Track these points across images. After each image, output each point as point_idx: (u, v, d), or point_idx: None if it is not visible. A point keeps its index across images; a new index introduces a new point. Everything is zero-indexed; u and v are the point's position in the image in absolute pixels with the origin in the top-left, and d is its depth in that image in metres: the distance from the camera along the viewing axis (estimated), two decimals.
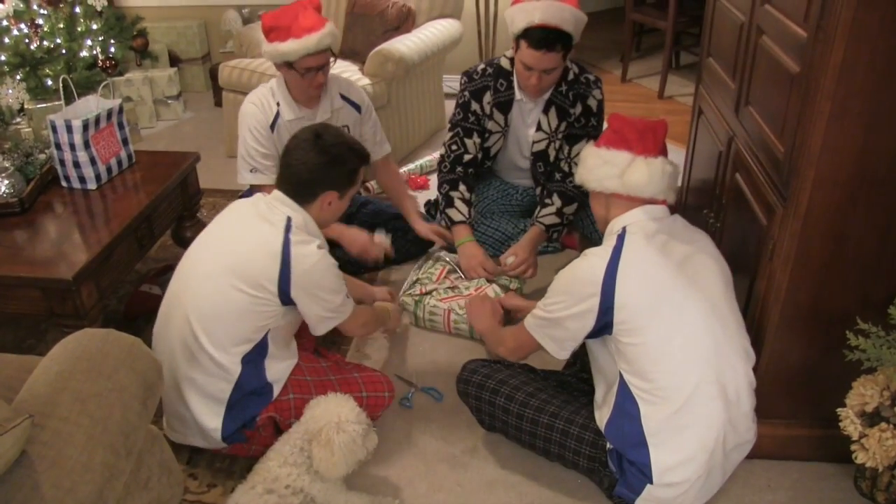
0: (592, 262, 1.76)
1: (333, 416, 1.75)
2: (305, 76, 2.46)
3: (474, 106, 2.70)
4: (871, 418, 1.55)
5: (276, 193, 1.93)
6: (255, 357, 1.90)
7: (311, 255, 1.85)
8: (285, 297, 1.86)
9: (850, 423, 1.57)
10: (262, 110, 2.55)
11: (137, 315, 2.66)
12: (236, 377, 1.88)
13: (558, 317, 1.81)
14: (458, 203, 2.70)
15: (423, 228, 2.74)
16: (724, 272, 1.83)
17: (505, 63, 2.66)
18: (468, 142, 2.73)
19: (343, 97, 2.69)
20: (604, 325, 1.75)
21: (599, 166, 1.83)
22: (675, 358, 1.70)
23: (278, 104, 2.57)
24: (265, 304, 1.85)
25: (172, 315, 1.91)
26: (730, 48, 2.20)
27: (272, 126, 2.56)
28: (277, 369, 1.96)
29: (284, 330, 1.97)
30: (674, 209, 1.88)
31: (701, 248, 1.83)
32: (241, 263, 1.84)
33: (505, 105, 2.68)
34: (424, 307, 2.55)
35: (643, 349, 1.72)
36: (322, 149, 1.90)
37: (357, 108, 2.72)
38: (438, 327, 2.57)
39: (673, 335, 1.70)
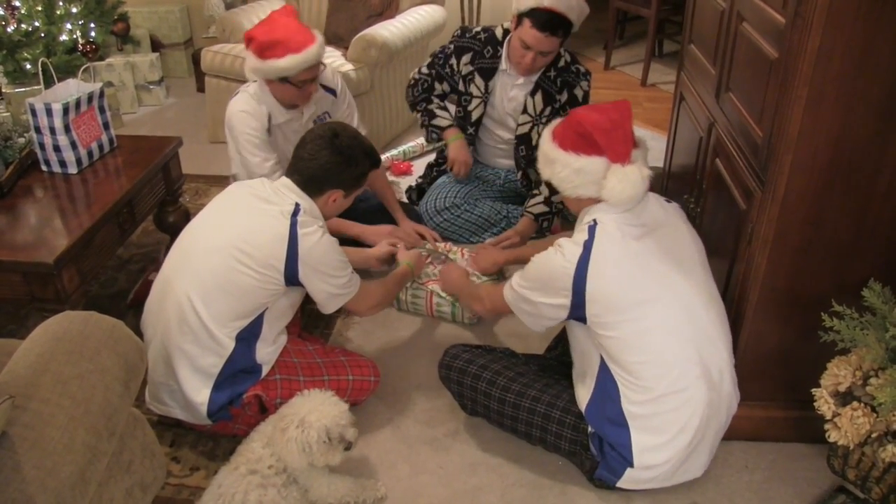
0: (565, 255, 1.74)
1: (304, 411, 1.75)
2: (302, 88, 2.46)
3: (453, 60, 2.80)
4: (844, 398, 1.58)
5: (285, 181, 1.97)
6: (249, 336, 1.93)
7: (314, 234, 1.90)
8: (291, 277, 1.90)
9: (823, 403, 1.60)
10: (256, 117, 2.49)
11: (143, 303, 2.63)
12: (229, 353, 1.90)
13: (533, 299, 1.84)
14: (438, 112, 2.88)
15: (407, 226, 2.76)
16: (699, 248, 1.86)
17: (499, 32, 2.74)
18: (438, 85, 2.88)
19: (322, 85, 2.68)
20: (578, 317, 1.77)
21: (573, 176, 1.75)
22: (654, 350, 1.72)
23: (264, 108, 2.53)
24: (270, 283, 1.89)
25: (171, 287, 1.93)
26: (711, 35, 2.22)
27: (268, 130, 2.54)
28: (267, 352, 1.99)
29: (280, 312, 2.00)
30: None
31: (676, 227, 1.84)
32: (250, 243, 1.87)
33: (488, 72, 2.73)
34: (407, 290, 2.56)
35: (618, 342, 1.73)
36: (337, 148, 1.94)
37: (332, 92, 2.72)
38: (421, 311, 2.59)
39: (650, 328, 1.71)
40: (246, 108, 2.49)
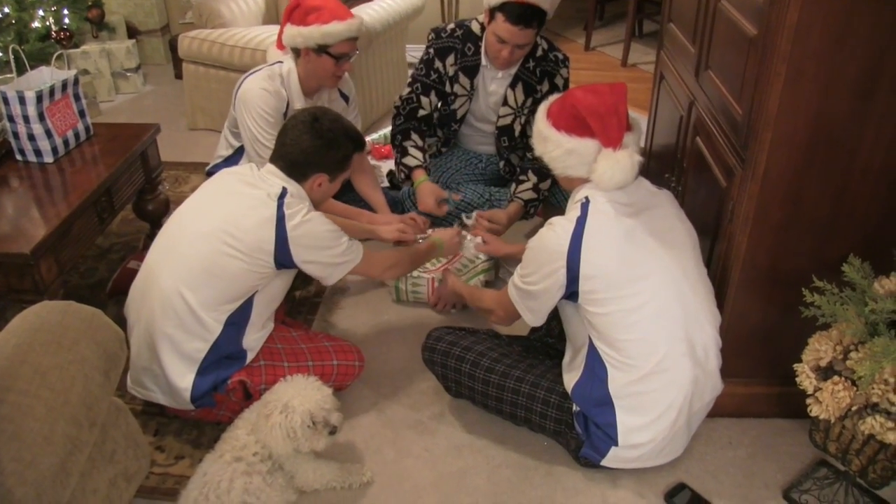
0: (558, 232, 1.75)
1: (288, 396, 1.74)
2: (338, 62, 2.44)
3: (437, 64, 2.71)
4: (825, 373, 1.59)
5: (270, 167, 1.96)
6: (238, 320, 1.93)
7: (299, 212, 1.89)
8: (282, 260, 1.89)
9: (805, 378, 1.62)
10: (277, 97, 2.45)
11: (123, 292, 2.61)
12: (215, 337, 1.90)
13: (534, 290, 1.83)
14: (412, 150, 2.76)
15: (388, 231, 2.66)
16: (690, 233, 1.86)
17: (475, 27, 2.67)
18: (424, 99, 2.76)
19: (338, 89, 2.69)
20: (572, 293, 1.77)
21: (564, 156, 1.76)
22: (643, 328, 1.72)
23: (284, 92, 2.49)
24: (260, 266, 1.88)
25: (156, 273, 1.91)
26: (690, 13, 2.21)
27: (284, 114, 2.49)
28: (254, 338, 1.99)
29: (271, 296, 2.00)
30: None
31: (666, 211, 1.84)
32: (237, 227, 1.86)
33: (471, 70, 2.68)
34: (406, 279, 2.53)
35: (609, 319, 1.73)
36: (318, 132, 1.93)
37: (346, 98, 2.73)
38: (422, 298, 2.56)
39: (640, 306, 1.72)
40: (267, 87, 2.45)
